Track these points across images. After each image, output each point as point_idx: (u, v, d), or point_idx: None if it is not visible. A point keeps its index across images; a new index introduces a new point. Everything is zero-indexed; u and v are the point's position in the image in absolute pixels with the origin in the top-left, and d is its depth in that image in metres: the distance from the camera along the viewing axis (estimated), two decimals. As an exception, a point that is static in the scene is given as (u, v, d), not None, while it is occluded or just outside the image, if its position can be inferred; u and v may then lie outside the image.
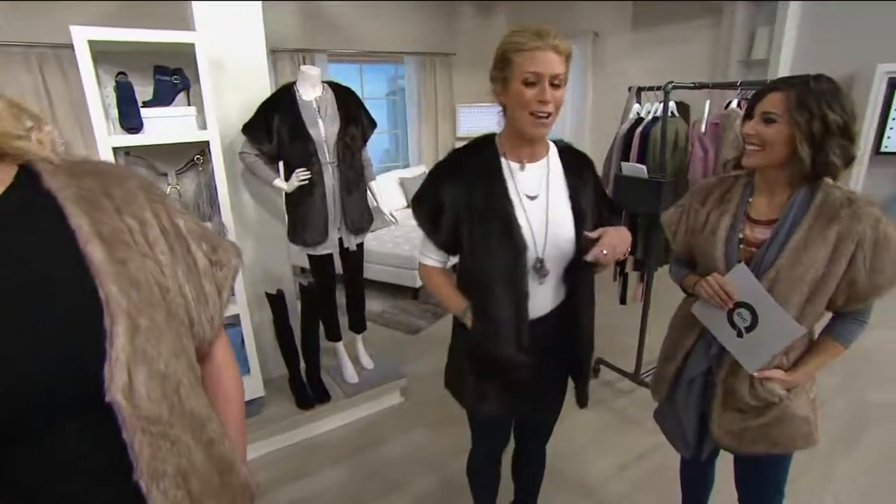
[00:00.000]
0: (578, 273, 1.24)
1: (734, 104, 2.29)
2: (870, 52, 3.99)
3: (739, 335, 1.22)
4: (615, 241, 1.09)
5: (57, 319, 0.54)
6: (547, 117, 1.09)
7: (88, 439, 0.57)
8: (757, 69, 4.69)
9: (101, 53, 1.86)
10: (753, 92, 1.31)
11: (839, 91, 1.10)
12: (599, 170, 2.35)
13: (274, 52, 5.57)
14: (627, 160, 2.35)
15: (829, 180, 1.15)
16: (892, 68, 3.79)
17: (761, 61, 4.60)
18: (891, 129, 3.93)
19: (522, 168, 1.20)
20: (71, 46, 1.67)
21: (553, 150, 1.26)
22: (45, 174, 0.58)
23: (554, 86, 1.07)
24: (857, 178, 4.11)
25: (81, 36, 1.68)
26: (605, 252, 1.07)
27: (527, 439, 1.54)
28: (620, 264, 2.60)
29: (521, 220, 1.17)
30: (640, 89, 2.48)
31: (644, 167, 2.17)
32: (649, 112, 2.40)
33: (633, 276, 2.69)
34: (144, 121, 1.91)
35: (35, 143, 0.58)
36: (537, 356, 1.23)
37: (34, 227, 0.56)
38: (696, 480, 1.64)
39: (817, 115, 1.07)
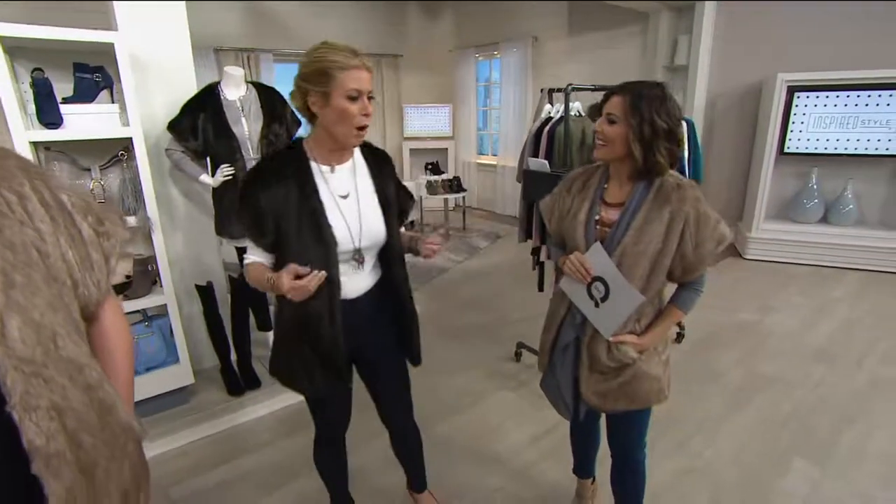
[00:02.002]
0: (391, 254, 1.42)
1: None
2: (773, 61, 4.35)
3: (596, 305, 1.40)
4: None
5: None
6: (365, 128, 1.27)
7: None
8: (680, 74, 5.01)
9: (17, 49, 1.90)
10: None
11: (667, 99, 1.28)
12: (515, 164, 2.53)
13: (219, 51, 5.55)
14: (538, 156, 2.54)
15: None
16: (790, 77, 4.14)
17: (683, 67, 4.92)
18: (791, 131, 4.29)
19: (333, 171, 1.32)
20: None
21: (356, 150, 1.40)
22: None
23: (369, 99, 1.25)
24: (766, 176, 4.47)
25: (-7, 32, 1.72)
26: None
27: (389, 416, 1.67)
28: (536, 254, 2.78)
29: (337, 218, 1.29)
30: (551, 90, 2.68)
31: (546, 162, 2.36)
32: (558, 112, 2.60)
33: (549, 265, 2.88)
34: (65, 117, 1.96)
35: None
36: (363, 327, 1.43)
37: None
38: (583, 441, 1.83)
39: (647, 119, 1.25)
